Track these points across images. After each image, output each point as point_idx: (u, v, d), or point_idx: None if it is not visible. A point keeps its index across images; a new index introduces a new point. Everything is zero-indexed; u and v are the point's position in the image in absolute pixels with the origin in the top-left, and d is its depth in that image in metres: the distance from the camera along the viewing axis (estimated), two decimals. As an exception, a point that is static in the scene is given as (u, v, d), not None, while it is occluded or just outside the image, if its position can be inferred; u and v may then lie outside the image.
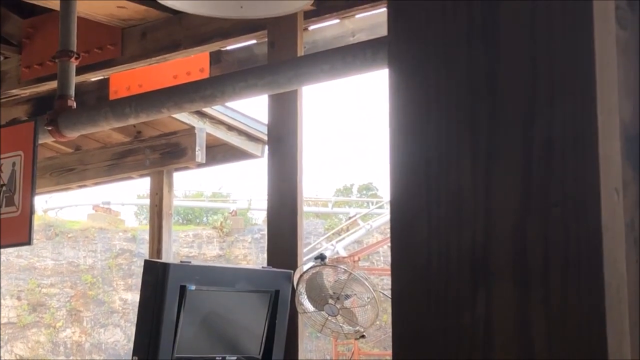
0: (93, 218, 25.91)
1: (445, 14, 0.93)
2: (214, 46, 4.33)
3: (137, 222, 28.22)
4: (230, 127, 5.72)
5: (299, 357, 3.79)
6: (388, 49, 0.97)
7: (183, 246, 25.27)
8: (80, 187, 6.56)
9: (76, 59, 3.89)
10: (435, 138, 0.93)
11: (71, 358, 22.96)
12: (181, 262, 3.56)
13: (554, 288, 0.84)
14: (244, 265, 19.60)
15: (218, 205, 28.95)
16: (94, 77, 4.94)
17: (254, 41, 4.44)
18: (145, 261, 3.47)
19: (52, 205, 26.63)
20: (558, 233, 0.85)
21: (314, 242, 21.19)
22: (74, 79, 3.90)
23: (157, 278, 3.34)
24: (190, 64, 4.82)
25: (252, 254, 23.48)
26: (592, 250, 0.83)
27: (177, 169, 5.76)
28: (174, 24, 4.35)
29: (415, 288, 0.92)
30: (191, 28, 4.27)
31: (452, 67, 0.92)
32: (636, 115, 0.91)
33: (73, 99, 3.83)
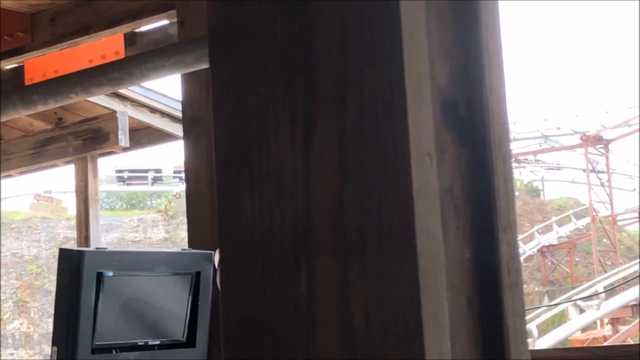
0: (35, 208, 25.61)
1: (258, -15, 0.91)
2: (125, 28, 4.27)
3: (80, 210, 27.93)
4: (152, 110, 5.65)
5: (224, 337, 3.77)
6: (208, 23, 0.95)
7: (128, 231, 25.10)
8: (6, 177, 6.46)
9: (-18, 47, 3.81)
10: (255, 113, 0.91)
11: (20, 349, 22.72)
12: (97, 248, 3.51)
13: (371, 260, 0.83)
14: (162, 248, 19.49)
15: (162, 188, 28.75)
16: (6, 64, 4.85)
17: (167, 21, 4.38)
18: (60, 249, 3.41)
19: (-7, 197, 26.25)
20: (373, 203, 0.83)
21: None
22: (-18, 68, 3.82)
23: (72, 266, 3.29)
24: (105, 47, 4.75)
25: (198, 235, 23.36)
26: (405, 219, 0.81)
27: (101, 155, 5.68)
28: (84, 7, 4.27)
29: (242, 268, 0.90)
30: (101, 10, 4.20)
31: (269, 40, 0.90)
32: (453, 79, 0.90)
33: (-19, 88, 3.75)
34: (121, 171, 30.37)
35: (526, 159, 31.94)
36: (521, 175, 33.30)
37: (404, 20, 0.83)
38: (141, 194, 29.96)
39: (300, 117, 0.88)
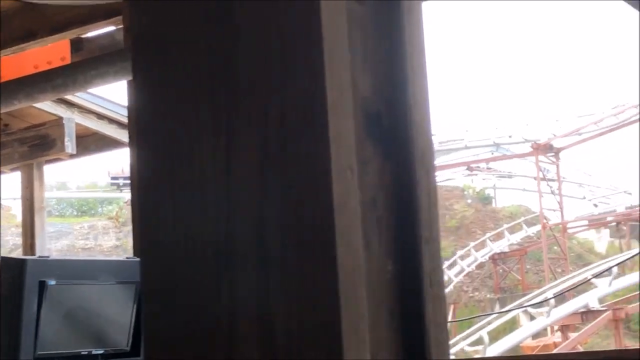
0: (-16, 214, 25.25)
1: (181, -5, 0.90)
2: (71, 34, 4.22)
3: (30, 216, 27.59)
4: (100, 116, 5.60)
5: (169, 346, 3.75)
6: (130, 33, 0.94)
7: (79, 238, 24.85)
8: (-49, 184, 6.36)
9: None
10: (177, 125, 0.90)
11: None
12: (39, 257, 3.47)
13: (291, 272, 0.82)
14: (107, 257, 19.36)
15: (113, 195, 28.51)
16: (-50, 70, 4.77)
17: (113, 27, 4.35)
18: (2, 258, 3.36)
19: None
20: (294, 215, 0.83)
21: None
22: None
23: (14, 275, 3.25)
24: (51, 52, 4.69)
25: (149, 243, 23.19)
26: (325, 231, 0.81)
27: (47, 162, 5.62)
28: (29, 13, 4.22)
29: (163, 282, 0.89)
30: (47, 16, 4.15)
31: (191, 49, 0.90)
32: (377, 91, 0.90)
33: None
34: (116, 178, 30.03)
35: (478, 167, 32.18)
36: (473, 182, 33.55)
37: (325, 31, 0.83)
38: (92, 201, 29.69)
39: (222, 129, 0.87)
